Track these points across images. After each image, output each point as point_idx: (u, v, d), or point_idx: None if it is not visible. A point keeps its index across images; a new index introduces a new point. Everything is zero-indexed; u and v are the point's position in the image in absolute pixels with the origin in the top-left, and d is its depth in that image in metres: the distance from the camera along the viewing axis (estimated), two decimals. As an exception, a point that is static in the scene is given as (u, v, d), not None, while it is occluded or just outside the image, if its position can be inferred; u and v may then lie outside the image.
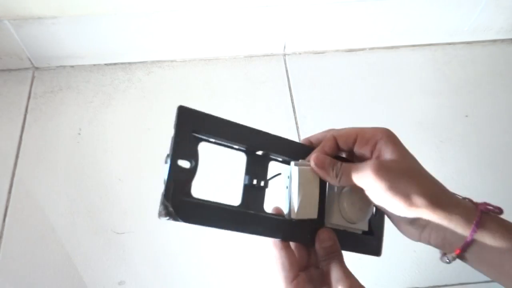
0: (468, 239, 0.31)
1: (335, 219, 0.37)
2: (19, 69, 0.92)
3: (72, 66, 0.93)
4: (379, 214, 0.40)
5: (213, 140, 0.34)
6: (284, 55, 0.97)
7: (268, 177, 0.37)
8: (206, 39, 0.91)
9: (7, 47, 0.87)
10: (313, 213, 0.36)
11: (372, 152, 0.35)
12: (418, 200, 0.32)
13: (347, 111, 0.89)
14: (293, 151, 0.37)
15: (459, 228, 0.32)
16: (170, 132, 0.33)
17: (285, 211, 0.36)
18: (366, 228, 0.39)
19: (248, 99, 0.91)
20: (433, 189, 0.33)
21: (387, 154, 0.34)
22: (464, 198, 0.35)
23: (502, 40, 1.01)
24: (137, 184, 0.79)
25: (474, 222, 0.31)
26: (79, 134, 0.85)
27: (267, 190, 0.37)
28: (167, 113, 0.88)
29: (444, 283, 0.74)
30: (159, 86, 0.91)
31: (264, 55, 0.97)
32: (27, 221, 0.76)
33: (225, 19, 0.87)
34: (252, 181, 0.36)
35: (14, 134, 0.84)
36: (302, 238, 0.36)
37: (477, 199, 0.35)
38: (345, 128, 0.37)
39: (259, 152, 0.36)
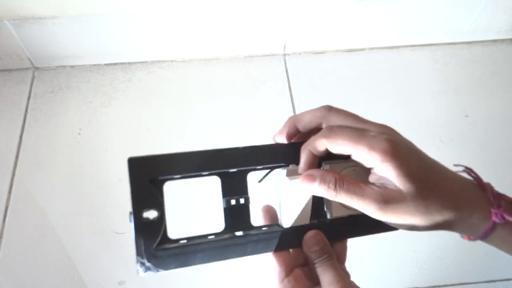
0: (485, 235, 0.31)
1: (336, 212, 0.36)
2: (19, 69, 0.92)
3: (72, 66, 0.93)
4: None
5: (177, 177, 0.32)
6: (284, 55, 0.97)
7: (250, 187, 0.35)
8: (206, 39, 0.91)
9: (7, 47, 0.87)
10: (306, 220, 0.35)
11: (372, 169, 0.32)
12: (436, 217, 0.30)
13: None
14: (271, 156, 0.35)
15: (475, 226, 0.31)
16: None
17: (279, 217, 0.35)
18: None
19: (248, 99, 0.91)
20: (450, 199, 0.30)
21: (389, 182, 0.30)
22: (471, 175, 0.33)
23: (502, 40, 1.01)
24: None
25: (485, 228, 0.30)
26: (79, 134, 0.85)
27: (251, 204, 0.35)
28: (167, 113, 0.88)
29: (444, 283, 0.74)
30: (159, 86, 0.91)
31: (264, 55, 0.97)
32: (27, 221, 0.76)
33: (225, 19, 0.87)
34: (230, 202, 0.34)
35: (14, 134, 0.84)
36: (295, 243, 0.35)
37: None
38: (344, 132, 0.33)
39: (232, 170, 0.34)
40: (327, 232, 0.35)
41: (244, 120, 0.88)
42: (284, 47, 0.95)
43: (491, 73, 0.96)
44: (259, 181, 0.35)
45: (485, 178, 0.34)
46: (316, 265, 0.33)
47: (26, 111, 0.87)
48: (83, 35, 0.87)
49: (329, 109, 0.36)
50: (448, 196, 0.31)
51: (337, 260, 0.35)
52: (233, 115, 0.88)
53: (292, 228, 0.34)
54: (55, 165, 0.81)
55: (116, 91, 0.90)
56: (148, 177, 0.31)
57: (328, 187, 0.31)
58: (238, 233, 0.34)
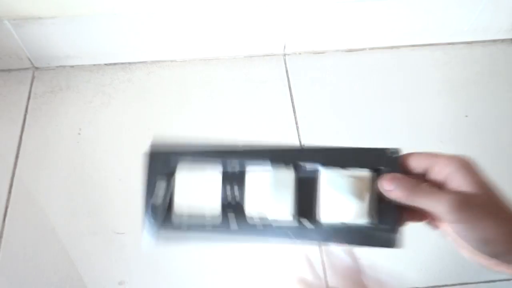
0: None
1: (326, 214, 0.36)
2: (19, 69, 0.92)
3: (72, 66, 0.93)
4: (390, 202, 0.37)
5: (189, 159, 0.38)
6: (284, 55, 0.97)
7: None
8: (206, 39, 0.91)
9: (7, 47, 0.87)
10: (287, 211, 0.36)
11: (446, 181, 0.33)
12: (494, 248, 0.30)
13: (347, 111, 0.89)
14: (270, 153, 0.38)
15: None
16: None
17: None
18: (366, 219, 0.37)
19: (248, 99, 0.91)
20: None
21: (465, 186, 0.32)
22: None
23: (502, 40, 1.01)
24: (137, 184, 0.79)
25: None
26: (79, 134, 0.85)
27: (246, 198, 0.37)
28: (167, 113, 0.88)
29: (444, 283, 0.74)
30: (159, 86, 0.91)
31: (264, 55, 0.97)
32: (27, 221, 0.76)
33: (225, 19, 0.87)
34: (227, 193, 0.37)
35: (14, 134, 0.84)
36: (285, 235, 0.37)
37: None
38: (416, 152, 0.36)
39: (234, 165, 0.38)
40: (317, 235, 0.37)
41: (244, 120, 0.88)
42: (284, 47, 0.95)
43: (491, 73, 0.96)
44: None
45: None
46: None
47: (26, 111, 0.87)
48: (83, 35, 0.87)
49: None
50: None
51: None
52: (233, 115, 0.88)
53: (275, 222, 0.37)
54: (55, 165, 0.81)
55: (116, 91, 0.90)
56: (162, 170, 0.38)
57: (404, 188, 0.33)
58: (231, 218, 0.37)
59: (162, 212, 0.37)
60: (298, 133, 0.87)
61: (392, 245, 0.37)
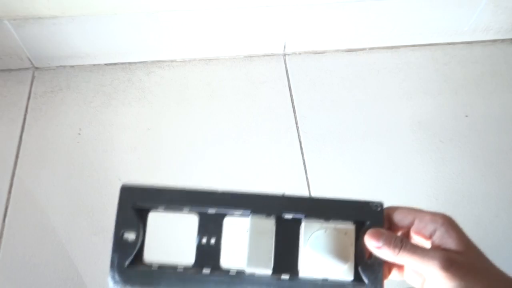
0: None
1: (307, 269, 0.35)
2: (19, 69, 0.92)
3: (72, 66, 0.93)
4: (375, 256, 0.36)
5: (160, 209, 0.37)
6: (284, 55, 0.97)
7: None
8: (206, 39, 0.91)
9: (7, 47, 0.87)
10: (267, 266, 0.35)
11: (431, 237, 0.33)
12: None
13: (347, 111, 0.89)
14: (250, 202, 0.37)
15: None
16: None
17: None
18: (350, 277, 0.36)
19: (248, 99, 0.91)
20: (507, 284, 0.31)
21: (451, 243, 0.32)
22: None
23: (502, 40, 1.01)
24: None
25: None
26: (79, 134, 0.85)
27: (223, 246, 0.37)
28: (167, 113, 0.88)
29: (444, 283, 0.74)
30: (159, 86, 0.91)
31: (264, 55, 0.97)
32: (27, 221, 0.76)
33: (225, 19, 0.87)
34: (202, 240, 0.37)
35: (14, 134, 0.84)
36: None
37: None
38: (400, 206, 0.36)
39: (212, 212, 0.37)
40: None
41: (244, 120, 0.88)
42: (284, 47, 0.95)
43: (491, 73, 0.96)
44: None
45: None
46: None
47: (26, 111, 0.87)
48: (83, 35, 0.87)
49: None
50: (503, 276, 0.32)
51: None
52: (233, 115, 0.88)
53: (253, 276, 0.35)
54: (55, 165, 0.81)
55: (116, 91, 0.90)
56: (134, 204, 0.37)
57: (392, 245, 0.33)
58: (205, 270, 0.36)
59: (131, 250, 0.36)
60: (298, 133, 0.87)
61: None
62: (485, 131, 0.88)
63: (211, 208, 0.37)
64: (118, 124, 0.86)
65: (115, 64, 0.94)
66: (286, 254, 0.36)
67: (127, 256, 0.36)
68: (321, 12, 0.88)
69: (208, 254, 0.36)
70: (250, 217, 0.36)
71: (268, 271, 0.35)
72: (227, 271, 0.36)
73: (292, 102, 0.91)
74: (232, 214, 0.37)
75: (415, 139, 0.87)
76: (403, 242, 0.33)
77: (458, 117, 0.90)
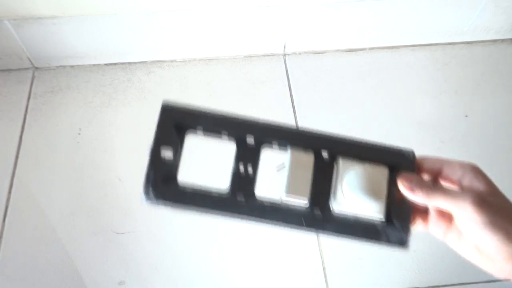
0: None
1: (340, 205, 0.36)
2: (19, 69, 0.92)
3: (72, 66, 0.93)
4: (404, 201, 0.37)
5: (200, 132, 0.36)
6: (284, 55, 0.97)
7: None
8: (206, 39, 0.91)
9: (7, 47, 0.87)
10: (304, 195, 0.36)
11: (460, 183, 0.35)
12: None
13: (347, 111, 0.89)
14: (287, 135, 0.37)
15: None
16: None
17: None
18: (381, 215, 0.37)
19: (248, 99, 0.91)
20: None
21: (480, 186, 0.34)
22: None
23: (502, 40, 1.01)
24: (137, 184, 0.79)
25: None
26: (79, 134, 0.85)
27: (258, 178, 0.37)
28: (167, 113, 0.88)
29: (444, 283, 0.74)
30: (159, 86, 0.91)
31: (264, 55, 0.97)
32: (27, 221, 0.76)
33: (225, 19, 0.87)
34: (239, 167, 0.36)
35: (14, 134, 0.84)
36: (296, 221, 0.36)
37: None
38: (428, 156, 0.38)
39: (250, 141, 0.37)
40: (329, 225, 0.36)
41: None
42: (284, 47, 0.95)
43: (491, 73, 0.96)
44: (277, 170, 0.37)
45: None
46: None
47: (26, 111, 0.87)
48: (83, 35, 0.87)
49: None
50: None
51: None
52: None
53: (287, 206, 0.36)
54: (55, 165, 0.81)
55: (116, 91, 0.90)
56: (174, 122, 0.35)
57: (425, 188, 0.35)
58: (240, 197, 0.35)
59: (168, 170, 0.35)
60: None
61: (403, 245, 0.37)
62: (485, 131, 0.88)
63: (250, 136, 0.37)
64: (118, 124, 0.86)
65: (115, 64, 0.94)
66: (321, 189, 0.37)
67: (163, 172, 0.34)
68: (321, 12, 0.88)
69: (243, 182, 0.36)
70: (289, 149, 0.36)
71: (305, 201, 0.36)
72: (261, 200, 0.36)
73: (292, 102, 0.91)
74: (270, 146, 0.37)
75: (415, 139, 0.87)
76: (434, 185, 0.35)
77: (458, 117, 0.90)
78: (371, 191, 0.36)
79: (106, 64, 0.94)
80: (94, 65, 0.93)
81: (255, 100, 0.91)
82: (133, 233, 0.75)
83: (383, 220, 0.37)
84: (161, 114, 0.35)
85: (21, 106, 0.87)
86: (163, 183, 0.34)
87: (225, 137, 0.37)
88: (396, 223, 0.37)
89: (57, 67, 0.93)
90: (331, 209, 0.37)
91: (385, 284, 0.74)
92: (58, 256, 0.73)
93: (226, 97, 0.91)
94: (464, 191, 0.34)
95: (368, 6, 0.87)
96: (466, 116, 0.91)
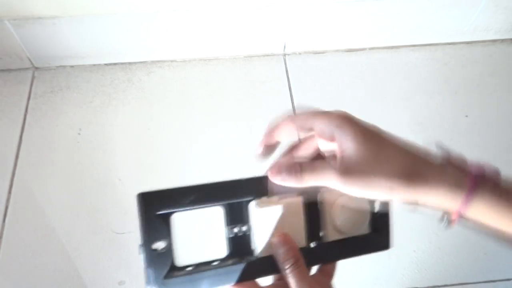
0: (459, 213, 0.31)
1: (332, 236, 0.37)
2: (19, 69, 0.92)
3: (72, 66, 0.93)
4: (382, 209, 0.39)
5: (182, 209, 0.35)
6: (284, 55, 0.97)
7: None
8: (206, 39, 0.91)
9: (7, 47, 0.87)
10: (299, 242, 0.36)
11: (333, 140, 0.33)
12: (394, 184, 0.30)
13: (347, 111, 0.89)
14: (259, 188, 0.36)
15: (448, 201, 0.31)
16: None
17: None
18: (367, 230, 0.39)
19: (248, 99, 0.91)
20: (405, 164, 0.32)
21: (348, 144, 0.32)
22: (449, 161, 0.34)
23: (502, 40, 1.01)
24: (137, 184, 0.79)
25: (463, 198, 0.30)
26: (79, 134, 0.85)
27: (253, 232, 0.36)
28: (167, 113, 0.88)
29: (444, 283, 0.74)
30: (159, 86, 0.91)
31: (264, 55, 0.97)
32: (27, 221, 0.76)
33: (225, 19, 0.87)
34: (233, 230, 0.36)
35: (14, 134, 0.84)
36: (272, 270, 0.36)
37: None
38: (300, 113, 0.36)
39: (234, 202, 0.36)
40: (323, 254, 0.37)
41: (244, 120, 0.88)
42: (284, 47, 0.95)
43: (491, 73, 0.96)
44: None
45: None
46: (286, 273, 0.33)
47: (26, 111, 0.87)
48: (83, 35, 0.87)
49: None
50: (404, 164, 0.32)
51: (325, 274, 0.36)
52: (233, 115, 0.88)
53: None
54: (55, 165, 0.81)
55: (116, 91, 0.90)
56: (156, 211, 0.34)
57: (294, 173, 0.33)
58: (241, 258, 0.35)
59: (165, 260, 0.34)
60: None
61: (387, 248, 0.39)
62: (485, 131, 0.88)
63: (234, 198, 0.36)
64: (118, 124, 0.86)
65: (115, 64, 0.94)
66: (312, 224, 0.36)
67: (163, 267, 0.34)
68: (321, 12, 0.88)
69: (239, 243, 0.36)
70: (256, 208, 0.35)
71: (303, 244, 0.36)
72: (260, 257, 0.36)
73: (292, 102, 0.91)
74: (255, 201, 0.36)
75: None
76: (301, 166, 0.33)
77: (458, 117, 0.90)
78: (360, 218, 0.37)
79: (106, 64, 0.94)
80: (94, 65, 0.93)
81: (255, 100, 0.91)
82: (133, 233, 0.75)
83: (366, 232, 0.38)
84: (140, 206, 0.34)
85: (21, 106, 0.87)
86: (164, 277, 0.34)
87: (210, 205, 0.36)
88: (378, 229, 0.39)
89: (57, 67, 0.93)
90: (324, 238, 0.37)
91: (385, 284, 0.74)
92: (58, 256, 0.73)
93: (226, 97, 0.91)
94: (328, 163, 0.32)
95: (368, 6, 0.87)
96: (466, 116, 0.91)
